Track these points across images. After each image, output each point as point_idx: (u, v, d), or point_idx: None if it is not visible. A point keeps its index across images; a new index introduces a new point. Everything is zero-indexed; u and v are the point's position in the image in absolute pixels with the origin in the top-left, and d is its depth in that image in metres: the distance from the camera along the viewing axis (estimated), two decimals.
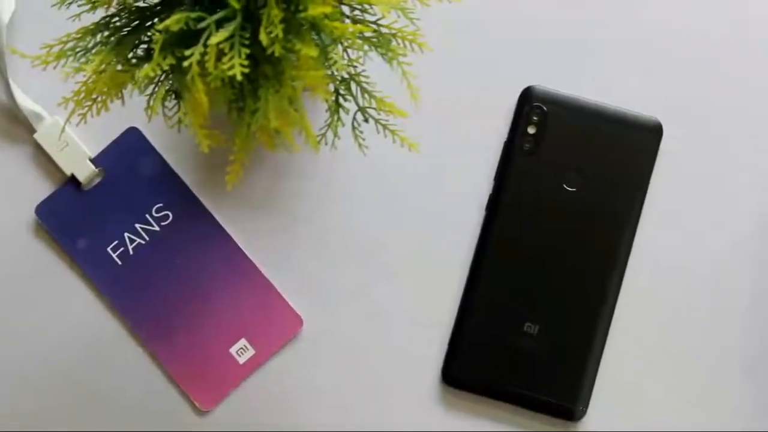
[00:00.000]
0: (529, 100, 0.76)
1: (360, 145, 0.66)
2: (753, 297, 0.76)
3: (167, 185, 0.77)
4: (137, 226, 0.77)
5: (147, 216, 0.77)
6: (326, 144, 0.66)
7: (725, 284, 0.76)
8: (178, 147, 0.77)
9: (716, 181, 0.76)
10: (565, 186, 0.76)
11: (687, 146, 0.77)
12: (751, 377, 0.75)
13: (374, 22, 0.65)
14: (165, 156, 0.77)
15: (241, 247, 0.77)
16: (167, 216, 0.77)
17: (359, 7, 0.65)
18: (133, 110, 0.77)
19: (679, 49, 0.77)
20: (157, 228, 0.77)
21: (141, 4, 0.64)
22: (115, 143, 0.77)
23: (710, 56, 0.77)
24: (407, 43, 0.64)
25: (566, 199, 0.76)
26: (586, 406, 0.75)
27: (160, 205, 0.77)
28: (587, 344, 0.75)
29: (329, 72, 0.63)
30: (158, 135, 0.77)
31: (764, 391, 0.75)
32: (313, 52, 0.59)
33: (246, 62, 0.59)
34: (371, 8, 0.65)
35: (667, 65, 0.77)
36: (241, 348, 0.76)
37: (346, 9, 0.66)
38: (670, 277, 0.76)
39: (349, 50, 0.66)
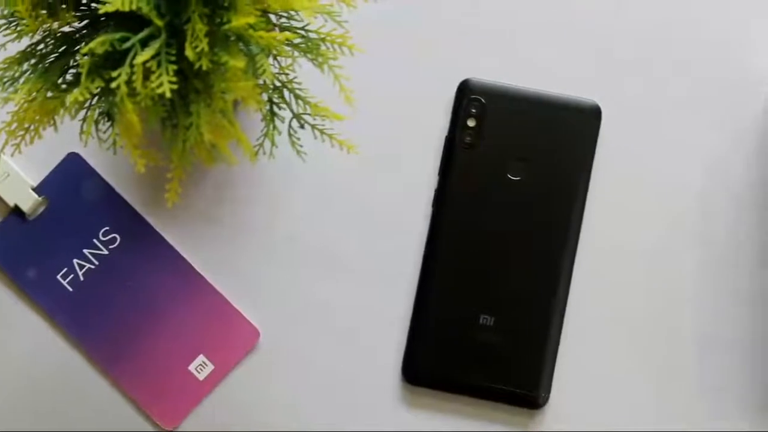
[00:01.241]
0: (466, 94, 0.77)
1: (298, 151, 0.66)
2: (699, 272, 0.76)
3: (112, 208, 0.77)
4: (85, 251, 0.76)
5: (94, 240, 0.76)
6: (264, 153, 0.66)
7: (672, 261, 0.76)
8: (119, 168, 0.77)
9: (657, 159, 0.77)
10: (509, 176, 0.76)
11: (626, 126, 0.77)
12: (705, 349, 0.76)
13: (302, 28, 0.65)
14: (107, 178, 0.77)
15: (191, 263, 0.76)
16: (115, 239, 0.76)
17: (285, 14, 0.65)
18: (73, 135, 0.77)
19: (611, 29, 0.77)
20: (105, 252, 0.76)
21: (66, 29, 0.64)
22: (57, 170, 0.77)
23: (642, 35, 0.77)
24: (337, 46, 0.64)
25: (511, 189, 0.76)
26: (548, 392, 0.75)
27: (107, 228, 0.76)
28: (544, 331, 0.75)
29: (260, 81, 0.63)
30: (99, 158, 0.77)
31: (718, 361, 0.76)
32: (241, 63, 0.59)
33: (174, 79, 0.59)
34: (297, 14, 0.66)
35: (599, 46, 0.77)
36: (200, 364, 0.76)
37: (273, 17, 0.66)
38: (619, 258, 0.76)
39: (280, 58, 0.66)
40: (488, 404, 0.76)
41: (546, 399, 0.75)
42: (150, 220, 0.77)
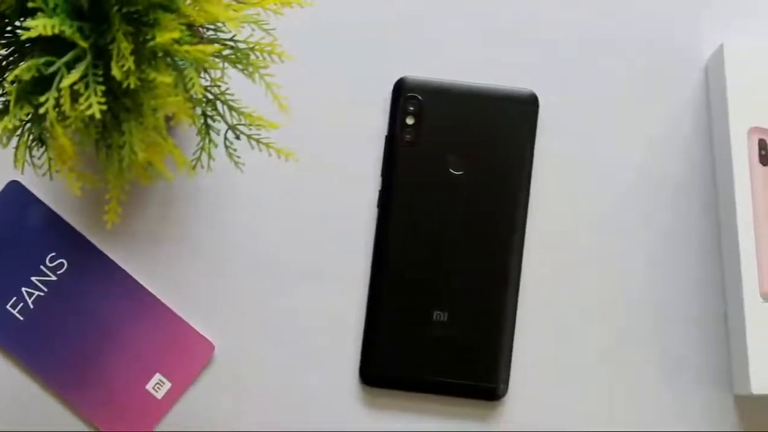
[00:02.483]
0: (402, 92, 0.77)
1: (236, 163, 0.66)
2: (647, 250, 0.76)
3: (57, 233, 0.76)
4: (33, 279, 0.76)
5: (42, 267, 0.76)
6: (202, 167, 0.65)
7: (621, 241, 0.77)
8: (62, 193, 0.77)
9: (597, 142, 0.77)
10: (451, 171, 0.76)
11: (565, 112, 0.77)
12: (659, 327, 0.76)
13: (230, 39, 0.65)
14: (50, 204, 0.77)
15: (140, 282, 0.76)
16: (62, 264, 0.76)
17: (212, 26, 0.65)
18: (12, 163, 0.76)
19: (541, 15, 0.77)
20: (53, 278, 0.76)
21: None
22: None
23: (575, 19, 0.77)
24: (266, 54, 0.64)
25: (455, 184, 0.76)
26: (507, 382, 0.76)
27: (53, 254, 0.76)
28: (498, 322, 0.75)
29: (193, 95, 0.63)
30: (41, 184, 0.77)
31: (672, 339, 0.76)
32: (168, 78, 0.59)
33: (103, 99, 0.59)
34: (224, 26, 0.65)
35: (532, 34, 0.77)
36: (157, 383, 0.76)
37: (202, 29, 0.66)
38: (568, 243, 0.77)
39: (211, 70, 0.65)
40: (449, 400, 0.76)
41: (505, 390, 0.76)
42: (96, 242, 0.76)
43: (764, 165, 0.73)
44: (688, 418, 0.76)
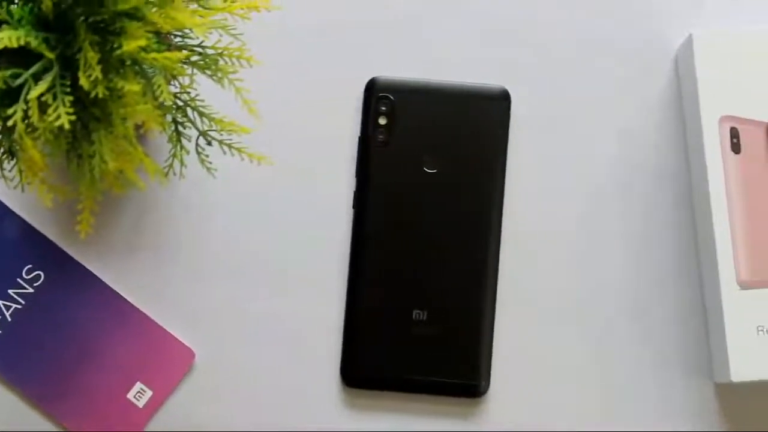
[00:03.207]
0: (374, 92, 0.77)
1: (208, 169, 0.66)
2: (625, 242, 0.77)
3: (33, 245, 0.76)
4: (10, 291, 0.76)
5: (18, 280, 0.76)
6: (175, 174, 0.65)
7: (598, 234, 0.77)
8: (37, 205, 0.77)
9: (571, 136, 0.77)
10: (425, 169, 0.76)
11: (537, 107, 0.77)
12: (638, 321, 0.76)
13: (198, 46, 0.65)
14: (25, 216, 0.76)
15: (118, 291, 0.76)
16: (39, 276, 0.76)
17: (179, 33, 0.65)
18: None
19: (511, 10, 0.77)
20: (31, 290, 0.76)
21: None
22: None
23: (544, 12, 0.78)
24: (235, 59, 0.64)
25: (429, 182, 0.76)
26: (489, 379, 0.76)
27: (30, 266, 0.76)
28: (477, 319, 0.76)
29: (162, 103, 0.63)
30: (14, 196, 0.77)
31: (652, 331, 0.76)
32: (136, 87, 0.59)
33: (71, 110, 0.59)
34: (192, 32, 0.65)
35: (502, 30, 0.77)
36: (139, 392, 0.76)
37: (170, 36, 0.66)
38: (544, 238, 0.77)
39: (180, 77, 0.65)
40: (431, 398, 0.76)
41: (487, 386, 0.76)
42: (73, 253, 0.76)
43: (736, 153, 0.73)
44: (669, 408, 0.76)
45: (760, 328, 0.72)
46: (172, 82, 0.67)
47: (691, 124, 0.75)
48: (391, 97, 0.77)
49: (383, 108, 0.77)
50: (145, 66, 0.61)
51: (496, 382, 0.76)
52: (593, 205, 0.77)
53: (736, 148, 0.73)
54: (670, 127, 0.77)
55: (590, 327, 0.76)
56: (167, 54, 0.59)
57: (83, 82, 0.58)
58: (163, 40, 0.64)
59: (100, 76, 0.58)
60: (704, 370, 0.76)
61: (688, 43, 0.74)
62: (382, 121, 0.77)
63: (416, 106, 0.77)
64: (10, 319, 0.76)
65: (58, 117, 0.58)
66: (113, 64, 0.60)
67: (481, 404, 0.76)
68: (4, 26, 0.58)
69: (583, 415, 0.76)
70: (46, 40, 0.59)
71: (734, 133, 0.73)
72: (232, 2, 0.63)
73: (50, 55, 0.58)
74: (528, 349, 0.76)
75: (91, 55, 0.59)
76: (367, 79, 0.77)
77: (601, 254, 0.77)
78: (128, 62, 0.60)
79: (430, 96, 0.77)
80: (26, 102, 0.58)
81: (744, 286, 0.72)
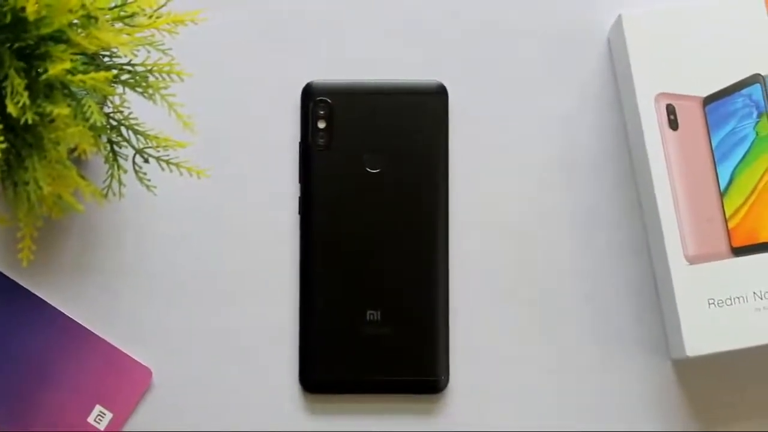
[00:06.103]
0: (311, 97, 0.77)
1: (147, 187, 0.65)
2: (573, 225, 0.77)
3: None
4: None
5: None
6: (114, 194, 0.65)
7: (545, 220, 0.77)
8: None
9: (511, 125, 0.77)
10: (368, 170, 0.76)
11: (476, 98, 0.77)
12: (592, 302, 0.76)
13: (127, 64, 0.64)
14: None
15: (69, 315, 0.76)
16: None
17: (107, 53, 0.65)
18: None
19: (436, 5, 0.78)
20: None
21: None
22: None
23: (468, 2, 0.78)
24: (165, 75, 0.63)
25: (373, 182, 0.76)
26: (447, 373, 0.76)
27: None
28: (431, 314, 0.76)
29: (95, 123, 0.63)
30: None
31: (606, 312, 0.76)
32: (65, 110, 0.58)
33: (1, 138, 0.58)
34: (119, 51, 0.65)
35: (435, 25, 0.78)
36: (98, 415, 0.75)
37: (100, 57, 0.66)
38: (492, 228, 0.77)
39: (113, 97, 0.65)
40: (393, 397, 0.76)
41: (446, 381, 0.76)
42: (20, 281, 0.76)
43: (674, 130, 0.74)
44: (628, 386, 0.76)
45: (711, 301, 0.72)
46: (105, 103, 0.67)
47: (627, 103, 0.76)
48: (329, 101, 0.77)
49: (321, 112, 0.76)
50: (74, 88, 0.60)
51: (455, 376, 0.76)
52: (538, 191, 0.77)
53: (673, 124, 0.74)
54: (608, 108, 0.77)
55: (545, 312, 0.76)
56: (94, 75, 0.59)
57: (11, 109, 0.58)
58: (92, 61, 0.64)
59: (28, 102, 0.58)
60: (660, 348, 0.76)
61: (618, 23, 0.74)
62: (321, 124, 0.77)
63: (354, 107, 0.77)
64: None
65: None
66: (41, 89, 0.59)
67: (442, 399, 0.76)
68: None
69: (544, 400, 0.76)
70: None
71: (671, 110, 0.74)
72: (158, 18, 0.63)
73: None
74: (484, 340, 0.76)
75: (18, 82, 0.58)
76: (302, 84, 0.77)
77: (551, 239, 0.77)
78: (57, 86, 0.60)
79: (367, 96, 0.77)
80: None
81: (692, 260, 0.73)
